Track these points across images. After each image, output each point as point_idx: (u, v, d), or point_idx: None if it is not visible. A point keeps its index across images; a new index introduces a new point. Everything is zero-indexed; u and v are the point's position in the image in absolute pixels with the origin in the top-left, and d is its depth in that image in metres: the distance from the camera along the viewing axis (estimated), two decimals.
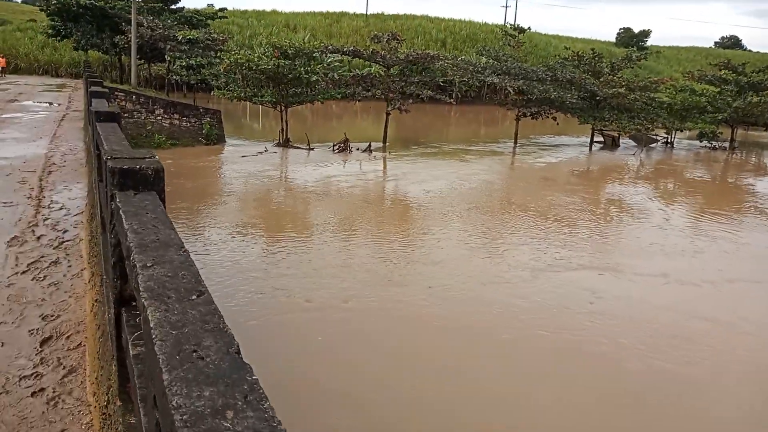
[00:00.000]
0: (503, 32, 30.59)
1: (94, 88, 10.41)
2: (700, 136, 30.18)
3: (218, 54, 26.40)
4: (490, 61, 26.55)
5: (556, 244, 11.77)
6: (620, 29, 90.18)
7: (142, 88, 27.56)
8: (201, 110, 23.31)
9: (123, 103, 22.23)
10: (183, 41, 25.36)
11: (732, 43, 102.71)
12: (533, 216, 14.12)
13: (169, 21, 28.90)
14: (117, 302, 2.52)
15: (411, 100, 22.97)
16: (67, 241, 5.56)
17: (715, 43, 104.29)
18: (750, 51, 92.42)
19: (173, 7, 33.38)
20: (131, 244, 1.90)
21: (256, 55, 23.95)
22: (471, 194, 16.36)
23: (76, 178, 8.26)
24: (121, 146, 4.47)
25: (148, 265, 1.71)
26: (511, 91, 37.13)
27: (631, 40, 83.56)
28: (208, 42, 26.63)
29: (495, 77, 24.83)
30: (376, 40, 24.47)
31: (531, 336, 7.77)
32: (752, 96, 28.65)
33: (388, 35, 24.08)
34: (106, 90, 10.87)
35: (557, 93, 24.15)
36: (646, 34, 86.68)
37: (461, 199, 15.46)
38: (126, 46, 29.07)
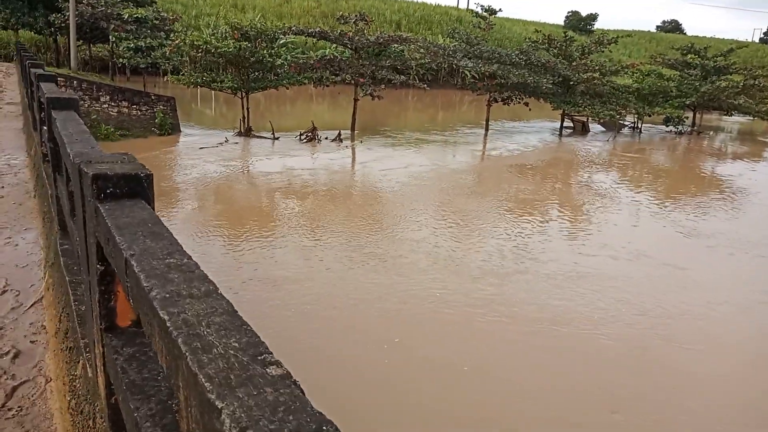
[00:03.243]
0: (473, 14, 29.43)
1: (35, 70, 8.55)
2: (666, 121, 30.06)
3: (169, 35, 24.13)
4: (461, 44, 25.33)
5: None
6: (568, 12, 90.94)
7: (84, 73, 25.05)
8: (153, 97, 21.19)
9: (63, 89, 19.91)
10: (129, 20, 22.95)
11: (673, 27, 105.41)
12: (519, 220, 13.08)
13: None
14: None
15: (383, 86, 21.52)
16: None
17: (657, 26, 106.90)
18: (687, 35, 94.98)
19: None
20: None
21: (213, 36, 21.96)
22: (448, 190, 15.15)
23: (22, 222, 4.55)
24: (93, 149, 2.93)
25: None
26: (468, 74, 36.34)
27: (579, 23, 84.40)
28: (156, 22, 24.29)
29: (468, 61, 23.64)
30: (342, 21, 22.85)
31: None
32: (719, 80, 28.59)
33: (356, 16, 22.49)
34: (52, 73, 8.96)
35: (533, 78, 23.20)
36: (593, 17, 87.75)
37: (434, 198, 14.22)
38: (63, 25, 26.34)
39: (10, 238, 4.13)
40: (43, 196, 4.15)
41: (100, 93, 20.51)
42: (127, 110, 20.83)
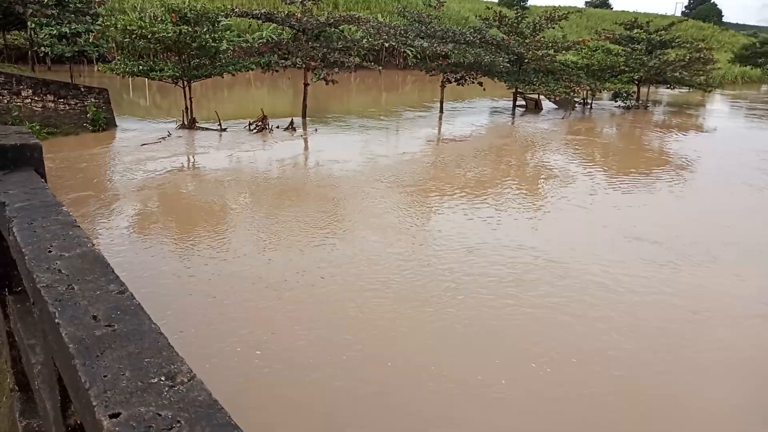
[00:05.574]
0: None
1: None
2: (616, 96, 30.14)
3: (96, 19, 21.91)
4: (413, 23, 24.29)
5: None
6: None
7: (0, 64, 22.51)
8: (82, 90, 19.16)
9: None
10: (49, 3, 20.61)
11: (601, 2, 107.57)
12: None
13: None
14: None
15: (337, 69, 20.25)
16: None
17: (586, 2, 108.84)
18: (614, 10, 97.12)
19: None
20: None
21: (141, 19, 20.01)
22: (425, 179, 14.32)
23: None
24: None
25: None
26: (410, 54, 35.57)
27: (512, 0, 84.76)
28: (80, 5, 21.98)
29: (422, 41, 22.62)
30: (288, 1, 21.33)
31: None
32: (665, 54, 28.76)
33: None
34: None
35: (489, 57, 22.48)
36: None
37: (389, 194, 13.38)
38: None
39: None
40: None
41: (21, 87, 18.36)
42: (53, 105, 18.77)
